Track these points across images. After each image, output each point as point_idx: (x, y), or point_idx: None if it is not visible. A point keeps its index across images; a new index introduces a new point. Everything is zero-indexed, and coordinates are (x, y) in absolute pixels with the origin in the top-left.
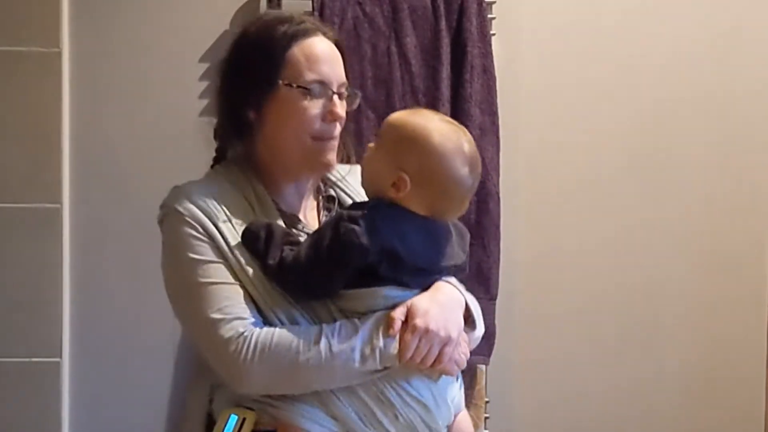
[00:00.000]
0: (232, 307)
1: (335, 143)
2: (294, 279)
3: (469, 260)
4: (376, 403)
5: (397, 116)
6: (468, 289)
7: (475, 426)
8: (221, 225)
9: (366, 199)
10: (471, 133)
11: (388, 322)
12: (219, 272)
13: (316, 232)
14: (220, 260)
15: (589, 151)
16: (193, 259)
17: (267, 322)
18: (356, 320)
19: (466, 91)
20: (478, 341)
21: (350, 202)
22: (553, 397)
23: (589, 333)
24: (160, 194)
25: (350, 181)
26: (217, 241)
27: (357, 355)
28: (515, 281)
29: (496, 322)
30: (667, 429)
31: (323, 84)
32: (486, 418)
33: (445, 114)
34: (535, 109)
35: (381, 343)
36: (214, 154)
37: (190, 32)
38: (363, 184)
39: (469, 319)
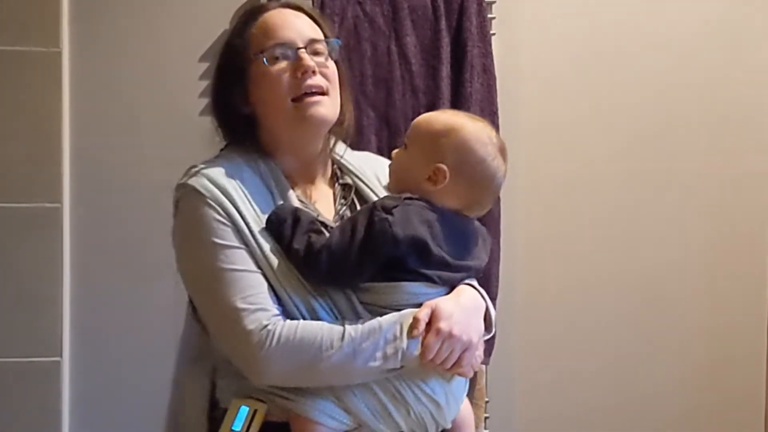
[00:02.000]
0: (256, 296)
1: (318, 98)
2: (323, 266)
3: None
4: (390, 399)
5: (427, 116)
6: None
7: (476, 426)
8: (242, 208)
9: (386, 192)
10: None
11: (413, 323)
12: (242, 259)
13: (348, 220)
14: (242, 246)
15: (588, 151)
16: (216, 243)
17: (286, 312)
18: (379, 318)
19: (466, 91)
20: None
21: (367, 190)
22: (553, 396)
23: (589, 333)
24: (160, 194)
25: (366, 171)
26: (239, 226)
27: (379, 355)
28: (515, 280)
29: (496, 320)
30: (667, 428)
31: (284, 45)
32: (486, 418)
33: None
34: (535, 109)
35: (404, 344)
36: (214, 153)
37: (190, 32)
38: (391, 185)
39: (486, 323)
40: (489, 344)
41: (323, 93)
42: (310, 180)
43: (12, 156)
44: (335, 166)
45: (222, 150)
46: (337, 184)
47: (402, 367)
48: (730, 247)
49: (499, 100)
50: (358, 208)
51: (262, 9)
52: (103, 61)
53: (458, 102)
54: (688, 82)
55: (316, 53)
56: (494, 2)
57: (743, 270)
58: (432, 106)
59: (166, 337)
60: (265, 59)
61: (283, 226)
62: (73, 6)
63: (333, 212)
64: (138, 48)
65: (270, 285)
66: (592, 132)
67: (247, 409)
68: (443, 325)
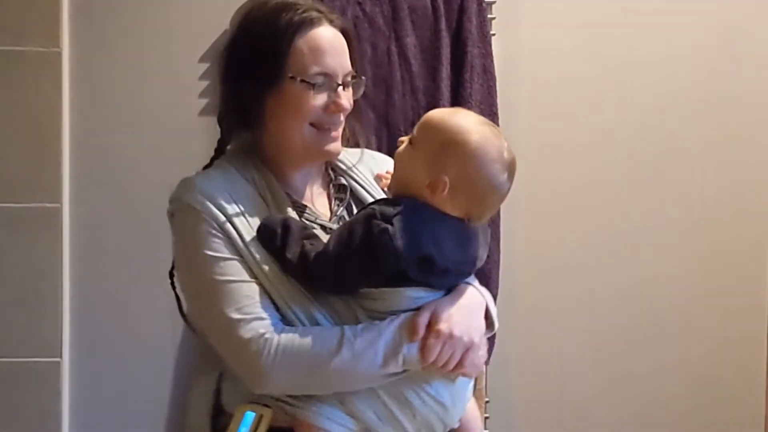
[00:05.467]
0: (251, 306)
1: (337, 133)
2: (319, 274)
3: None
4: (395, 403)
5: (439, 116)
6: None
7: None
8: (235, 220)
9: (382, 191)
10: None
11: (412, 327)
12: (236, 270)
13: (345, 226)
14: (236, 257)
15: (589, 151)
16: (209, 256)
17: (285, 320)
18: (378, 322)
19: (466, 91)
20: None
21: (362, 191)
22: (553, 396)
23: (589, 333)
24: (160, 194)
25: (361, 170)
26: (232, 237)
27: (380, 360)
28: (515, 281)
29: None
30: (667, 428)
31: (327, 76)
32: (486, 418)
33: None
34: (535, 109)
35: (404, 347)
36: (215, 146)
37: (190, 32)
38: (392, 183)
39: (488, 321)
40: (489, 345)
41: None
42: (307, 182)
43: (12, 156)
44: (330, 167)
45: (217, 154)
46: (331, 185)
47: (405, 371)
48: (730, 253)
49: (498, 100)
50: (355, 209)
51: (313, 21)
52: (103, 61)
53: (458, 102)
54: (688, 82)
55: (346, 85)
56: (494, 2)
57: (743, 275)
58: (432, 107)
59: (166, 337)
60: (305, 88)
61: (274, 237)
62: (73, 6)
63: (329, 213)
64: (138, 48)
65: (268, 295)
66: (591, 133)
67: (253, 414)
68: (443, 326)
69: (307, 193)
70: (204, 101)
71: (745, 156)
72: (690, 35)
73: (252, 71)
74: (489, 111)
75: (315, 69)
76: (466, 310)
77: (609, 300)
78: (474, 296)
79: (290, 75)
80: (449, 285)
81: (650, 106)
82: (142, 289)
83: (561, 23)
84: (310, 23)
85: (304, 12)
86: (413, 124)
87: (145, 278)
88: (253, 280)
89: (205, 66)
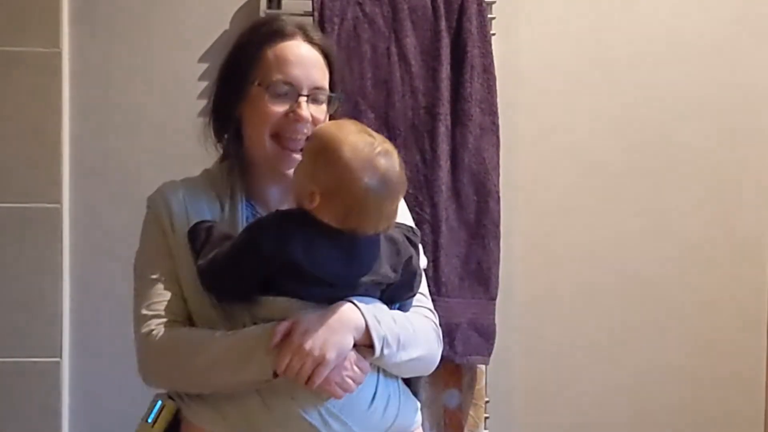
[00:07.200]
0: (158, 304)
1: (297, 156)
2: (207, 280)
3: (467, 261)
4: (263, 411)
5: (320, 128)
6: (468, 288)
7: (475, 426)
8: (177, 223)
9: None
10: (471, 133)
11: (271, 335)
12: (161, 269)
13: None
14: (167, 257)
15: (589, 151)
16: (144, 251)
17: (191, 323)
18: (247, 329)
19: (466, 91)
20: (413, 363)
21: None
22: (553, 396)
23: (589, 333)
24: None
25: None
26: (169, 239)
27: (242, 364)
28: (515, 281)
29: (496, 322)
30: (667, 428)
31: (291, 85)
32: (486, 418)
33: (445, 114)
34: (535, 109)
35: (260, 355)
36: (213, 154)
37: (190, 32)
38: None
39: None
40: (489, 344)
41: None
42: (284, 196)
43: (12, 156)
44: None
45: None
46: None
47: (275, 378)
48: (731, 250)
49: (498, 100)
50: None
51: (285, 34)
52: (103, 61)
53: (458, 102)
54: (689, 83)
55: (316, 100)
56: (494, 2)
57: (744, 272)
58: (432, 107)
59: None
60: (267, 95)
61: (197, 243)
62: (73, 6)
63: None
64: (138, 48)
65: (183, 297)
66: (591, 132)
67: (161, 403)
68: (295, 338)
69: (281, 206)
70: (204, 102)
71: (745, 153)
72: (690, 35)
73: (230, 82)
74: (489, 111)
75: (278, 77)
76: (328, 326)
77: (609, 299)
78: (346, 313)
79: (256, 82)
80: (326, 297)
81: (650, 105)
82: None
83: (561, 23)
84: (282, 36)
85: (279, 26)
86: (413, 125)
87: None
88: (174, 281)
89: (205, 66)
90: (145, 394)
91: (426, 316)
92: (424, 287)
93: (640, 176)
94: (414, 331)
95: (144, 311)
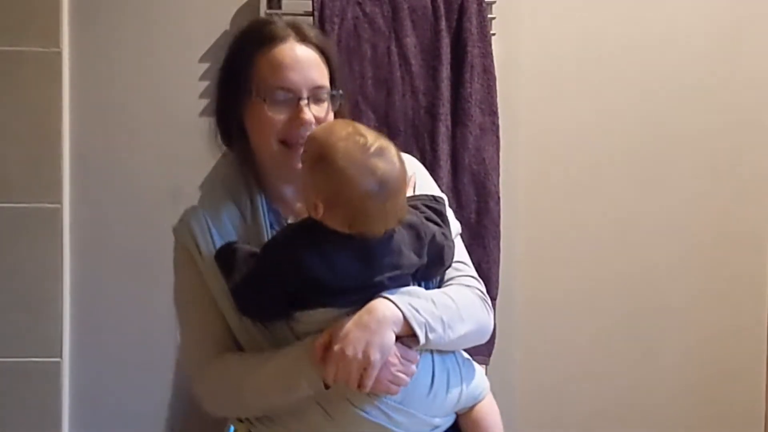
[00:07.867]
0: (202, 335)
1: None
2: (238, 304)
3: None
4: (326, 422)
5: (314, 133)
6: None
7: None
8: (204, 250)
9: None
10: (471, 133)
11: (312, 349)
12: (198, 297)
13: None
14: (203, 286)
15: (588, 151)
16: (180, 282)
17: (238, 345)
18: (290, 347)
19: (466, 91)
20: (465, 339)
21: None
22: (554, 396)
23: (589, 332)
24: (159, 194)
25: None
26: (200, 266)
27: (289, 385)
28: (515, 281)
29: (496, 321)
30: (667, 425)
31: (290, 91)
32: None
33: (445, 114)
34: (535, 109)
35: (307, 371)
36: (213, 154)
37: (190, 32)
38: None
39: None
40: (489, 344)
41: None
42: (298, 196)
43: (12, 156)
44: None
45: (218, 163)
46: None
47: (328, 389)
48: (731, 250)
49: (498, 100)
50: None
51: (277, 38)
52: (103, 61)
53: (458, 102)
54: (688, 82)
55: (318, 100)
56: (494, 2)
57: (744, 272)
58: (432, 107)
59: (166, 337)
60: (266, 104)
61: (224, 267)
62: (73, 6)
63: None
64: (138, 48)
65: (225, 322)
66: (592, 132)
67: (233, 429)
68: (336, 347)
69: (296, 206)
70: (204, 102)
71: (747, 149)
72: (690, 33)
73: (228, 91)
74: (489, 110)
75: (276, 84)
76: (366, 328)
77: (608, 300)
78: (381, 311)
79: (255, 92)
80: (359, 300)
81: (650, 104)
82: (142, 289)
83: (561, 23)
84: (273, 40)
85: (268, 30)
86: (413, 125)
87: (145, 278)
88: (214, 309)
89: (205, 66)
90: (145, 394)
91: (468, 285)
92: (461, 254)
93: (640, 176)
94: (458, 308)
95: (190, 345)
